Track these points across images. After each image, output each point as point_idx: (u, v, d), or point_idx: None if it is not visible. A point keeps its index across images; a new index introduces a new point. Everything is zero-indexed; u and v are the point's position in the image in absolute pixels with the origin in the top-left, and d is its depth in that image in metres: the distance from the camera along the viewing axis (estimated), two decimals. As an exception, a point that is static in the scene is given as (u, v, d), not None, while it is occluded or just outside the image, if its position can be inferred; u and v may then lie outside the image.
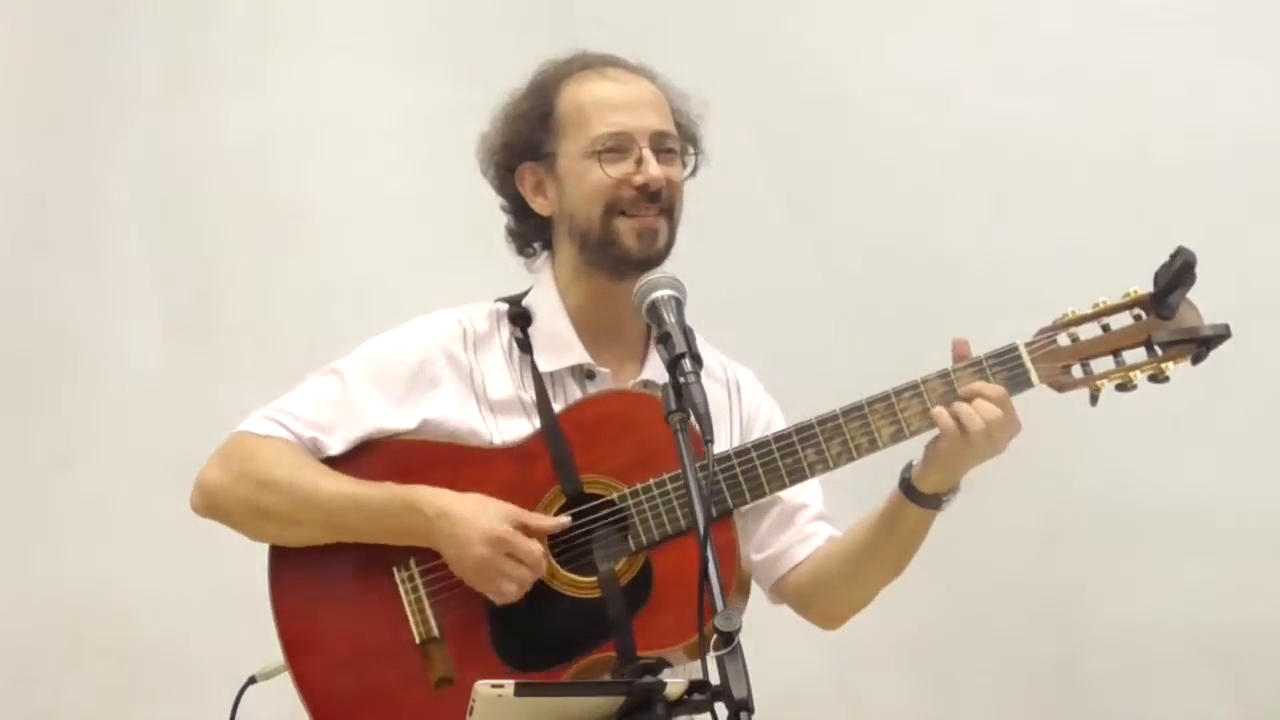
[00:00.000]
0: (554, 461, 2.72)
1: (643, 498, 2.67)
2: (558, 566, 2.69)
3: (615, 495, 2.69)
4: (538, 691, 2.33)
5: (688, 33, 4.01)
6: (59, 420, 4.26)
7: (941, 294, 3.99)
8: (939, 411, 2.63)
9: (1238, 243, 3.86)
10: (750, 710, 2.19)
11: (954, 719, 4.05)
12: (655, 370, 2.77)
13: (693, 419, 2.38)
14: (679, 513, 2.66)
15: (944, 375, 2.66)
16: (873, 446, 2.67)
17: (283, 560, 2.80)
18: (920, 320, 3.95)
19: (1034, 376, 2.65)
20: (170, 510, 4.14)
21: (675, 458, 2.51)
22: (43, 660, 4.20)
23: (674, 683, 2.27)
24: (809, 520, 2.83)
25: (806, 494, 2.83)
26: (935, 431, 2.65)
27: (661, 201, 2.77)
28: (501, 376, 2.81)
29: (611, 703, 2.29)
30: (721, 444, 2.72)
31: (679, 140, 2.81)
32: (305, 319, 4.20)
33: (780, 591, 2.85)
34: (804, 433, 2.68)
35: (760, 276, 4.02)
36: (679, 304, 2.53)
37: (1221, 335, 2.65)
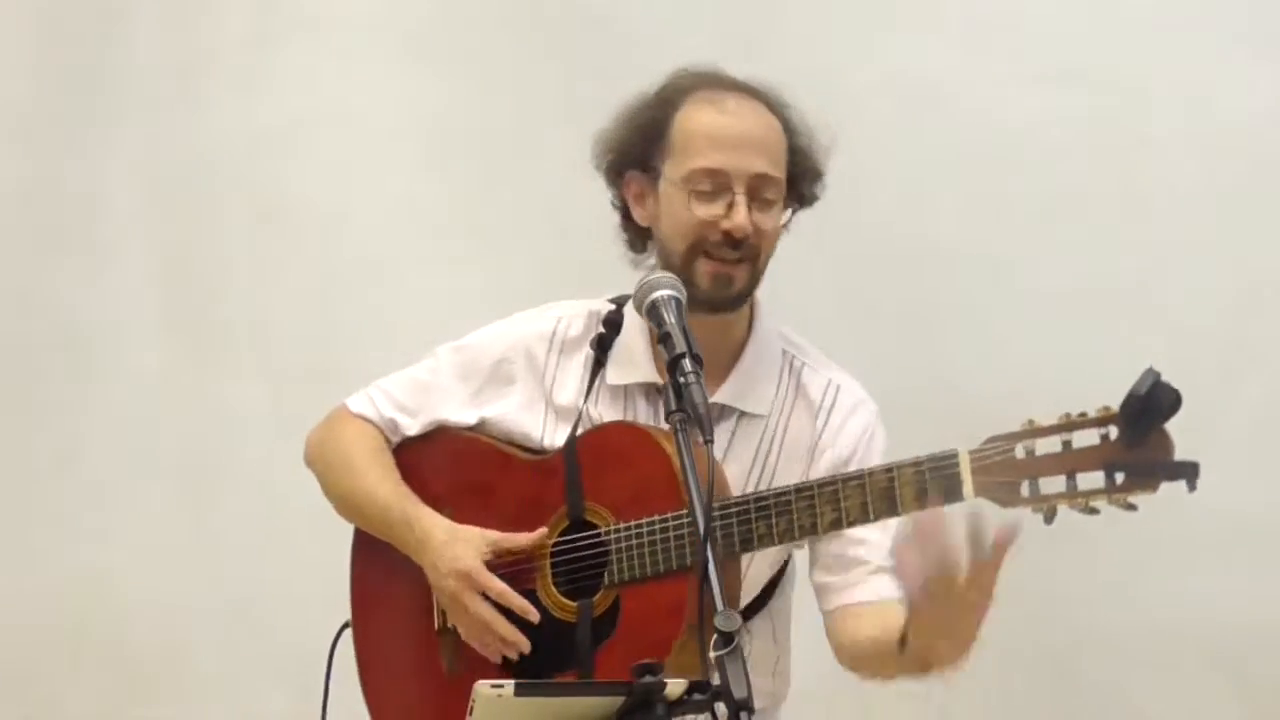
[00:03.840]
0: (566, 483, 2.74)
1: (624, 535, 2.68)
2: (553, 586, 2.74)
3: (604, 530, 2.70)
4: (538, 691, 2.33)
5: (686, 31, 4.00)
6: (60, 419, 4.26)
7: (942, 293, 3.99)
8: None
9: (1238, 243, 3.86)
10: (750, 710, 2.19)
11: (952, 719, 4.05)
12: (729, 394, 2.78)
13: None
14: (648, 558, 2.65)
15: (888, 470, 2.55)
16: (813, 529, 2.58)
17: (361, 531, 2.94)
18: (921, 320, 3.95)
19: (967, 488, 2.46)
20: (171, 509, 4.18)
21: (665, 500, 2.61)
22: (43, 660, 4.20)
23: (674, 682, 2.27)
24: (869, 570, 2.76)
25: (868, 533, 2.72)
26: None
27: (744, 250, 2.74)
28: (574, 383, 2.84)
29: (611, 703, 2.29)
30: (791, 476, 2.72)
31: (780, 185, 2.77)
32: (305, 319, 4.20)
33: (826, 622, 2.82)
34: (760, 503, 2.61)
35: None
36: (679, 304, 2.52)
37: (1188, 475, 2.43)
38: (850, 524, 2.58)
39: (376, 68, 4.27)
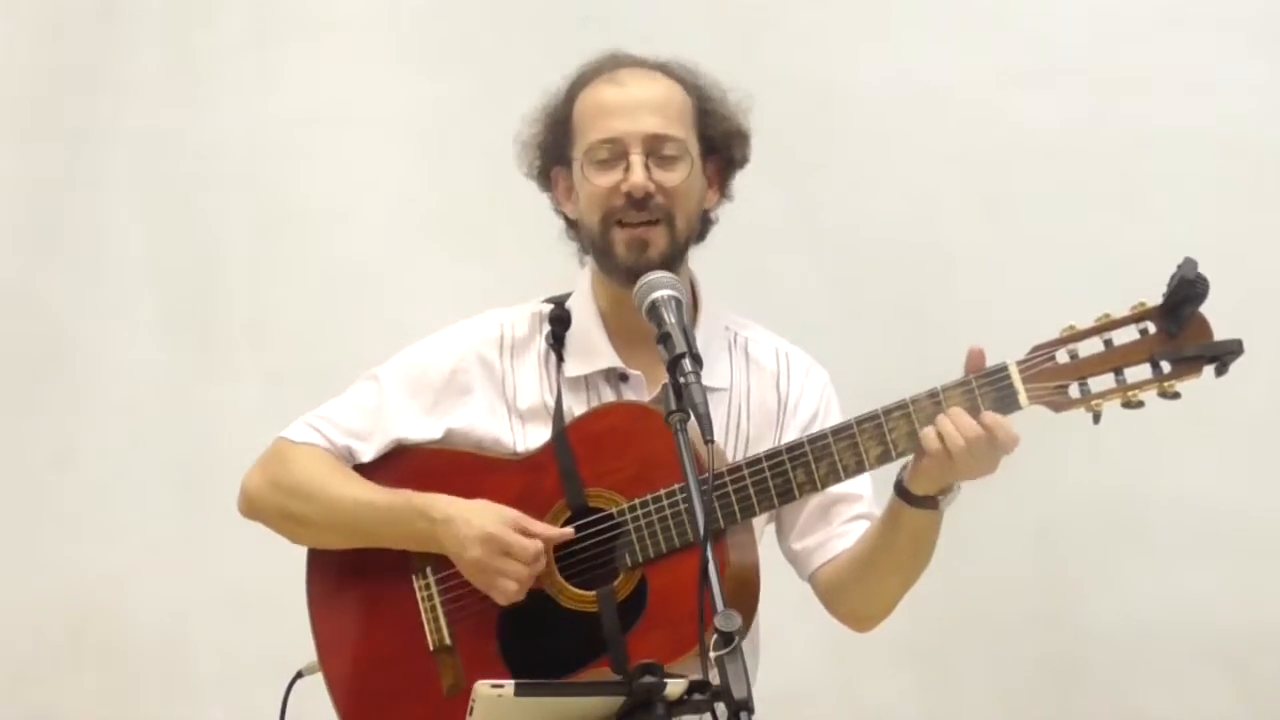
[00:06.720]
0: (560, 473, 2.72)
1: (639, 514, 2.66)
2: (562, 580, 2.71)
3: (615, 510, 2.69)
4: (537, 691, 2.33)
5: (683, 31, 4.00)
6: (59, 420, 4.26)
7: (941, 293, 3.99)
8: (925, 432, 2.56)
9: (1238, 242, 3.86)
10: (750, 710, 2.19)
11: (953, 719, 4.05)
12: None
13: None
14: (673, 530, 2.64)
15: (933, 395, 2.60)
16: (860, 468, 2.62)
17: (317, 564, 2.87)
18: (920, 320, 3.95)
19: (1022, 398, 2.56)
20: (170, 509, 4.18)
21: (674, 472, 2.54)
22: (43, 660, 4.20)
23: (674, 682, 2.27)
24: (848, 519, 2.80)
25: (850, 487, 2.77)
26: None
27: (650, 210, 2.74)
28: (532, 383, 2.82)
29: (611, 703, 2.29)
30: (765, 442, 2.74)
31: (682, 143, 2.76)
32: (305, 319, 4.20)
33: (814, 585, 2.83)
34: (794, 451, 2.64)
35: (759, 276, 4.01)
36: (679, 304, 2.53)
37: (1233, 351, 2.52)
38: (899, 455, 2.61)
39: (376, 68, 4.27)
